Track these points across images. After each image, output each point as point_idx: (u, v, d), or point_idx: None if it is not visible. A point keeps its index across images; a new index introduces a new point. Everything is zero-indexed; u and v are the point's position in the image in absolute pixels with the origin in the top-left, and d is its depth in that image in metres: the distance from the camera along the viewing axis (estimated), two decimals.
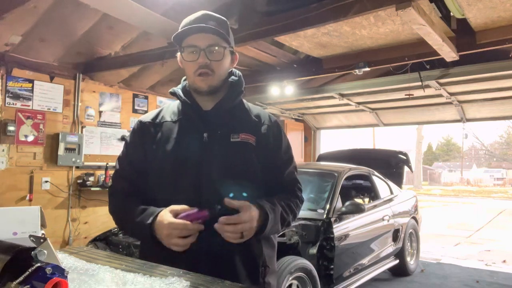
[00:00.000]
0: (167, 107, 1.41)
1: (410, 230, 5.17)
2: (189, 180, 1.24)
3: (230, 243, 1.20)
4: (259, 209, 1.19)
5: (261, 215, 1.19)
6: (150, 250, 1.25)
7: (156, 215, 1.18)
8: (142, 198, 1.31)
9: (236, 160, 1.27)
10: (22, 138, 4.34)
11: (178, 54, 1.35)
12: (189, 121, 1.32)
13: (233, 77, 1.36)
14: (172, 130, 1.31)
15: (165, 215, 1.16)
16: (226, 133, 1.29)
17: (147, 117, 1.38)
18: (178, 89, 1.36)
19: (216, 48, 1.26)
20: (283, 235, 3.18)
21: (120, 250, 3.24)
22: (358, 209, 3.66)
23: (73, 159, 4.72)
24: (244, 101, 1.41)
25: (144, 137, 1.34)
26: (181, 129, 1.31)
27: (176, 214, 1.15)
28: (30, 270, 0.68)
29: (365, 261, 3.99)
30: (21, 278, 0.67)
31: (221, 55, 1.27)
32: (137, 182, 1.33)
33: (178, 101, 1.39)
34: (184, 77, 1.39)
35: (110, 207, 1.36)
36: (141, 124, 1.37)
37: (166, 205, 1.19)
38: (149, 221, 1.18)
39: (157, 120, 1.35)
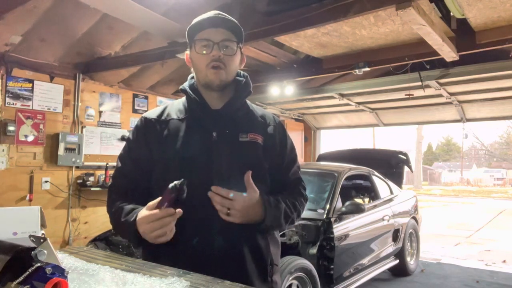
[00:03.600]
0: (172, 104, 1.38)
1: (410, 230, 5.18)
2: (197, 179, 1.21)
3: (239, 242, 1.21)
4: (261, 201, 1.21)
5: (262, 207, 1.21)
6: (154, 253, 1.24)
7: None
8: (145, 197, 1.27)
9: (245, 159, 1.26)
10: (22, 138, 4.35)
11: (187, 52, 1.34)
12: (197, 119, 1.30)
13: (238, 77, 1.36)
14: (179, 128, 1.29)
15: (141, 212, 1.15)
16: (235, 132, 1.28)
17: (151, 114, 1.35)
18: (186, 86, 1.35)
19: (230, 43, 1.27)
20: (283, 235, 3.18)
21: (120, 250, 3.25)
22: (358, 209, 3.66)
23: (73, 159, 4.72)
24: (248, 101, 1.40)
25: (148, 134, 1.30)
26: (189, 128, 1.29)
27: (151, 208, 1.13)
28: (30, 270, 0.68)
29: (365, 261, 3.99)
30: (21, 278, 0.67)
31: (233, 50, 1.28)
32: (139, 180, 1.30)
33: (183, 99, 1.37)
34: (191, 75, 1.37)
35: (107, 205, 1.34)
36: (145, 121, 1.33)
37: None
38: (133, 218, 1.16)
39: (163, 118, 1.32)
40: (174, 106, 1.36)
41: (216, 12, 1.30)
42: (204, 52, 1.26)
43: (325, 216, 3.47)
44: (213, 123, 1.28)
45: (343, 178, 4.03)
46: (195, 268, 1.05)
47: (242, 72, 1.39)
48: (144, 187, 1.30)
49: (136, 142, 1.33)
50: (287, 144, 1.39)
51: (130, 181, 1.31)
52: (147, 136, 1.31)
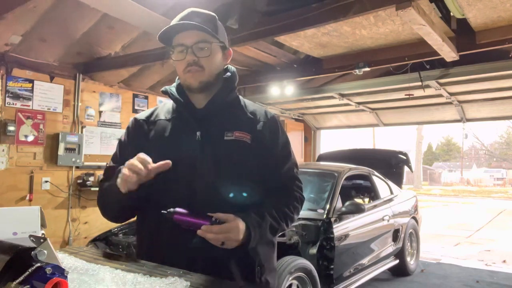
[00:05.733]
0: (163, 105, 1.39)
1: (410, 230, 5.17)
2: (183, 181, 1.21)
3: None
4: (244, 223, 1.15)
5: (246, 230, 1.15)
6: (147, 251, 1.25)
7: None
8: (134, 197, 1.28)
9: (230, 159, 1.23)
10: (22, 138, 4.34)
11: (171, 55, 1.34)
12: (182, 119, 1.29)
13: (228, 73, 1.34)
14: (165, 129, 1.29)
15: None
16: (220, 131, 1.26)
17: (141, 115, 1.37)
18: (171, 87, 1.34)
19: (204, 44, 1.23)
20: (283, 235, 3.18)
21: (120, 250, 3.25)
22: (358, 209, 3.66)
23: (73, 159, 4.72)
24: (241, 97, 1.37)
25: (137, 135, 1.32)
26: (174, 128, 1.29)
27: (143, 161, 1.11)
28: (30, 270, 0.68)
29: (365, 261, 3.99)
30: (21, 278, 0.67)
31: (208, 51, 1.24)
32: None
33: None
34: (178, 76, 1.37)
35: (97, 199, 1.33)
36: (135, 122, 1.35)
37: (159, 205, 1.16)
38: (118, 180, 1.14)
39: (151, 118, 1.33)
40: (164, 107, 1.37)
41: (189, 10, 1.27)
42: (179, 58, 1.25)
43: (325, 216, 3.47)
44: (198, 122, 1.26)
45: (343, 178, 4.03)
46: (179, 267, 1.05)
47: (231, 67, 1.37)
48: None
49: (126, 142, 1.35)
50: (278, 140, 1.32)
51: None
52: (136, 137, 1.32)
